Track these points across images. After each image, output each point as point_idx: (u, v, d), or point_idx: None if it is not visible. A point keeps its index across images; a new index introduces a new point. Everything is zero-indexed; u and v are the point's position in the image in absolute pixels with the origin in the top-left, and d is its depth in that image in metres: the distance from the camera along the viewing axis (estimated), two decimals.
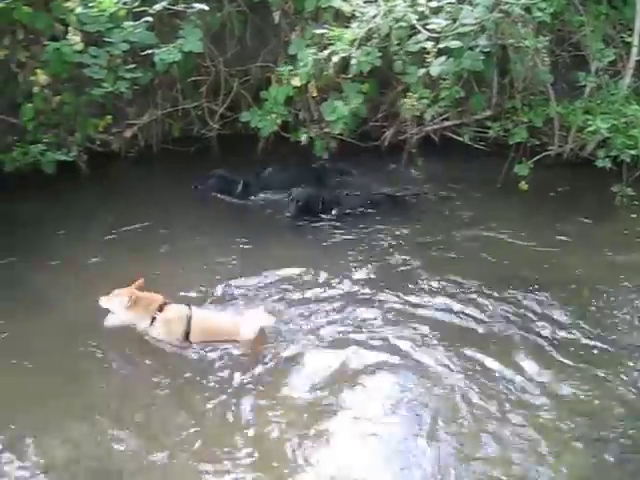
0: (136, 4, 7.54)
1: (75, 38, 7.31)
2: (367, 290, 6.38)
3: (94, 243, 7.14)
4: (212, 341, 5.62)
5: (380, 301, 6.20)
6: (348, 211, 7.83)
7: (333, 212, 7.77)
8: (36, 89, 7.70)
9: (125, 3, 7.55)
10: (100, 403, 5.03)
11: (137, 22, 7.60)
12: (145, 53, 7.81)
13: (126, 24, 7.56)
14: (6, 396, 5.07)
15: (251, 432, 4.78)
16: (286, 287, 6.37)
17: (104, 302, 5.56)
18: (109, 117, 8.35)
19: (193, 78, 8.93)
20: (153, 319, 5.59)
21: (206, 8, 7.72)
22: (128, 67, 7.82)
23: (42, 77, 7.61)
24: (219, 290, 6.31)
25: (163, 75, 8.45)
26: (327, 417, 4.93)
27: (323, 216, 7.75)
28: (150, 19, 7.55)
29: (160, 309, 5.61)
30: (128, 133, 8.81)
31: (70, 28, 7.45)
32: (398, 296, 6.24)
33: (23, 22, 7.57)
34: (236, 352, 5.51)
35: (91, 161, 8.25)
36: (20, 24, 7.63)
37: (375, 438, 4.80)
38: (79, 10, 7.39)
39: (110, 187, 8.23)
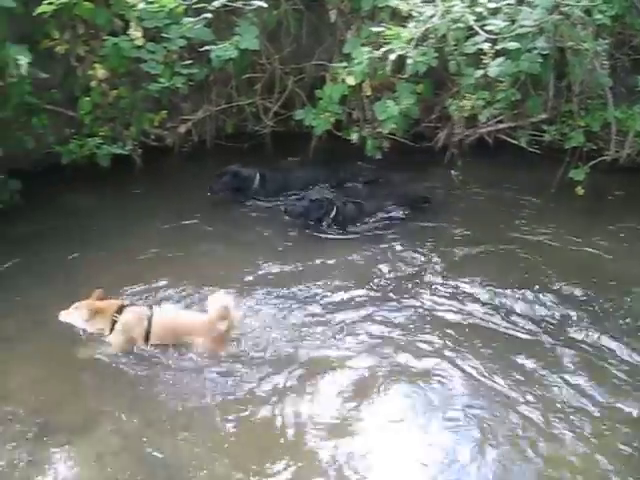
0: (194, 0, 7.60)
1: (136, 33, 7.40)
2: (402, 292, 6.35)
3: (144, 236, 7.27)
4: (175, 341, 5.58)
5: (415, 305, 6.17)
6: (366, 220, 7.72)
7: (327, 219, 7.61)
8: (94, 83, 7.81)
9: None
10: (148, 398, 5.11)
11: (196, 19, 7.66)
12: (203, 49, 7.86)
13: (185, 20, 7.62)
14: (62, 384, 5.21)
15: (287, 443, 4.76)
16: (317, 290, 6.40)
17: (63, 316, 5.56)
18: (164, 112, 8.43)
19: (248, 75, 8.97)
20: (114, 323, 5.57)
21: (265, 5, 7.74)
22: (184, 63, 7.89)
23: (100, 71, 7.72)
24: (258, 292, 6.35)
25: (218, 72, 8.50)
26: (366, 427, 4.89)
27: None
28: (209, 16, 7.61)
29: (119, 312, 5.60)
30: (182, 128, 8.88)
31: (131, 23, 7.54)
32: (435, 300, 6.21)
33: (84, 17, 7.69)
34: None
35: (145, 155, 8.34)
36: (81, 19, 7.75)
37: (421, 448, 4.75)
38: (141, 6, 7.48)
39: (163, 182, 8.33)
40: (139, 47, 7.61)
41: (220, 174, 8.10)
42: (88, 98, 7.85)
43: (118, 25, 7.82)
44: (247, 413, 4.96)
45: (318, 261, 6.89)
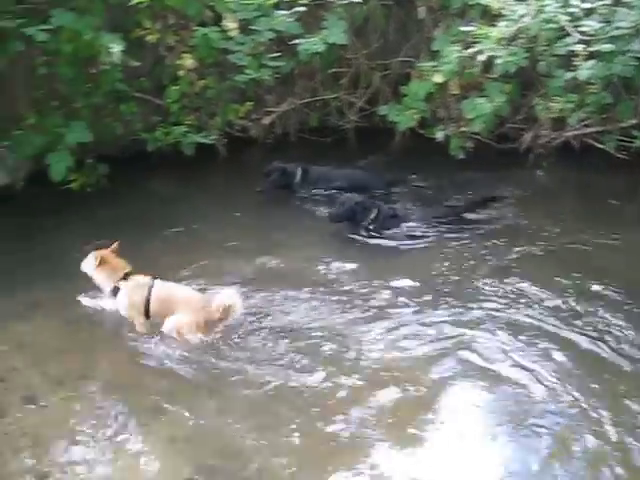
0: None
1: (231, 25, 7.49)
2: (467, 293, 6.20)
3: (221, 225, 7.37)
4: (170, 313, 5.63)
5: (483, 306, 5.98)
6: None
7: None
8: (182, 72, 7.95)
9: None
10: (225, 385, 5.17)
11: (289, 12, 7.70)
12: (292, 43, 7.90)
13: (277, 13, 7.66)
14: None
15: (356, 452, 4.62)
16: (376, 290, 6.26)
17: (83, 265, 5.77)
18: (250, 104, 8.51)
19: (334, 70, 8.99)
20: (116, 289, 5.70)
21: (358, 0, 7.73)
22: (272, 55, 7.95)
23: (189, 61, 7.84)
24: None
25: (304, 65, 8.55)
26: (428, 433, 4.72)
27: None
28: (303, 9, 7.64)
29: (125, 278, 5.72)
30: (267, 120, 8.95)
31: (226, 15, 7.62)
32: (503, 301, 6.03)
33: (175, 8, 7.82)
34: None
35: (229, 145, 8.44)
36: (172, 10, 7.89)
37: (488, 457, 4.58)
38: None
39: (245, 173, 8.41)
40: (228, 38, 7.70)
41: (267, 172, 8.06)
42: (176, 87, 7.99)
43: (208, 16, 7.94)
44: (318, 410, 4.91)
45: (378, 260, 6.84)
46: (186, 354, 5.37)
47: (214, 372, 5.22)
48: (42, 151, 7.41)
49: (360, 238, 7.19)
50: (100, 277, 5.75)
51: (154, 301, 5.65)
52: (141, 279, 5.76)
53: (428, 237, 7.15)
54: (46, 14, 7.14)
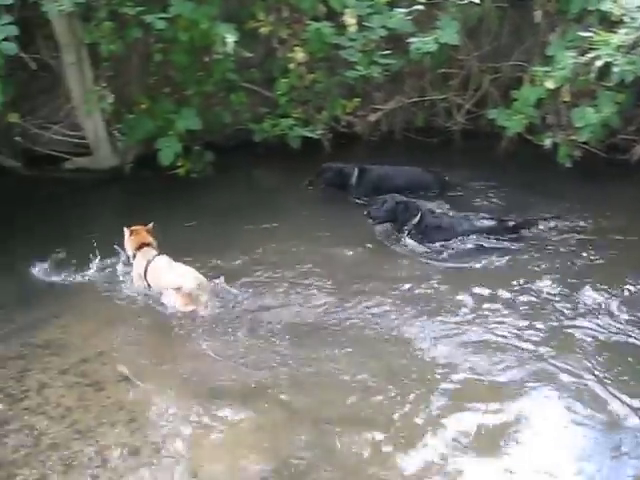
0: None
1: (351, 20, 7.49)
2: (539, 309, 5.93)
3: (313, 218, 7.44)
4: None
5: (564, 324, 5.74)
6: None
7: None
8: (292, 66, 8.01)
9: None
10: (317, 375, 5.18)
11: (407, 10, 7.67)
12: (407, 41, 7.85)
13: (396, 11, 7.63)
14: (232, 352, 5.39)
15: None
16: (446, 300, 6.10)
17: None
18: (358, 100, 8.52)
19: (443, 70, 8.90)
20: (134, 256, 6.19)
21: (476, 1, 7.63)
22: (382, 53, 7.93)
23: (300, 55, 7.90)
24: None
25: (414, 64, 8.48)
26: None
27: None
28: (421, 8, 7.59)
29: (139, 248, 6.14)
30: (373, 117, 8.93)
31: (347, 10, 7.64)
32: (579, 316, 5.79)
33: (289, 1, 7.89)
34: None
35: (333, 140, 8.47)
36: (286, 3, 7.96)
37: None
38: None
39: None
40: (340, 34, 7.73)
41: (321, 170, 7.96)
42: (285, 80, 8.07)
43: (321, 11, 7.97)
44: (406, 410, 4.84)
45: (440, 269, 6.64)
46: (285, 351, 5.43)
47: (308, 370, 5.25)
48: (152, 136, 7.63)
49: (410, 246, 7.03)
50: (127, 245, 6.21)
51: (149, 272, 6.03)
52: (148, 251, 6.14)
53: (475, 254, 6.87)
54: (165, 3, 7.34)
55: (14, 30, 6.32)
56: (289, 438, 4.61)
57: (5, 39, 6.22)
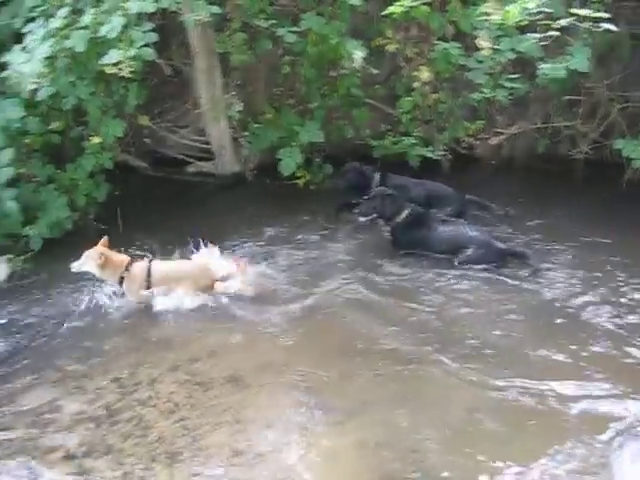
0: (540, 16, 7.46)
1: (484, 43, 7.45)
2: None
3: None
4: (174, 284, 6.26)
5: None
6: None
7: None
8: (417, 84, 8.01)
9: (530, 15, 7.51)
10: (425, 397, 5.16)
11: (541, 35, 7.56)
12: (536, 66, 7.73)
13: (528, 35, 7.54)
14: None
15: None
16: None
17: (77, 266, 6.21)
18: (481, 122, 8.45)
19: (569, 97, 8.73)
20: (122, 278, 6.26)
21: (613, 28, 7.46)
22: (509, 76, 7.84)
23: (425, 74, 7.89)
24: None
25: (540, 89, 8.34)
26: None
27: None
28: (556, 34, 7.47)
29: (127, 268, 6.27)
30: (495, 141, 8.83)
31: (480, 33, 7.59)
32: None
33: (418, 20, 7.90)
34: None
35: (453, 161, 8.42)
36: (415, 22, 7.98)
37: None
38: (494, 17, 7.46)
39: (467, 190, 8.24)
40: (467, 55, 7.69)
41: (344, 170, 7.87)
42: (409, 98, 8.07)
43: (450, 31, 7.96)
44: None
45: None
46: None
47: (412, 382, 5.25)
48: (275, 145, 7.79)
49: None
50: (106, 274, 6.31)
51: (155, 277, 6.28)
52: (139, 264, 6.35)
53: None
54: (296, 17, 7.51)
55: (154, 37, 6.58)
56: (392, 456, 4.61)
57: (145, 45, 6.48)
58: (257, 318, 6.05)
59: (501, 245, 6.79)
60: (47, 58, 6.57)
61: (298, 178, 7.94)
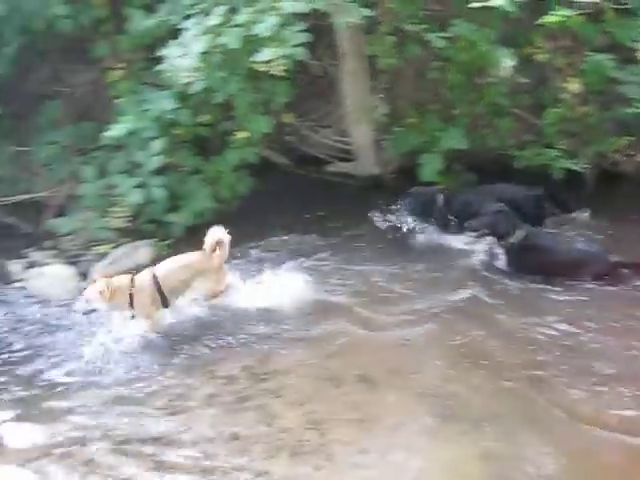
0: None
1: None
2: None
3: None
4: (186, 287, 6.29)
5: None
6: None
7: None
8: (565, 96, 7.81)
9: None
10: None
11: None
12: None
13: None
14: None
15: None
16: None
17: (82, 308, 6.08)
18: (629, 138, 8.15)
19: None
20: (131, 296, 6.07)
21: None
22: None
23: (574, 86, 7.68)
24: None
25: None
26: None
27: None
28: None
29: (132, 285, 6.10)
30: None
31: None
32: None
33: (571, 30, 7.71)
34: None
35: (598, 176, 8.16)
36: (568, 31, 7.79)
37: None
38: None
39: (608, 208, 7.90)
40: (621, 68, 7.45)
41: (405, 196, 7.72)
42: (556, 110, 7.88)
43: (603, 42, 7.72)
44: None
45: None
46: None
47: (538, 400, 5.13)
48: (417, 150, 7.78)
49: None
50: (116, 305, 6.14)
51: (166, 284, 6.21)
52: (142, 275, 6.25)
53: None
54: (445, 23, 7.47)
55: (307, 37, 6.71)
56: (514, 470, 4.53)
57: (297, 45, 6.61)
58: (388, 320, 6.11)
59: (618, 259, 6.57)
60: (202, 53, 6.79)
61: (437, 184, 7.89)
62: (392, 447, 4.69)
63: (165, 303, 6.28)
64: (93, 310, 6.08)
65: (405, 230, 7.66)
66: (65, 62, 9.02)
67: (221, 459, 4.72)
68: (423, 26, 7.37)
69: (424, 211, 7.67)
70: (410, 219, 7.68)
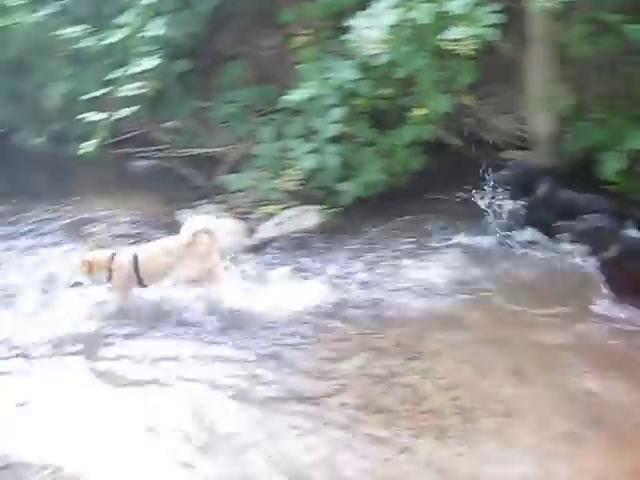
0: None
1: None
2: None
3: None
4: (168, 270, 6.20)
5: None
6: None
7: None
8: None
9: None
10: None
11: None
12: None
13: None
14: None
15: None
16: None
17: (71, 282, 6.24)
18: None
19: None
20: (110, 272, 6.17)
21: None
22: None
23: None
24: None
25: None
26: None
27: None
28: None
29: (111, 261, 6.19)
30: None
31: None
32: None
33: None
34: None
35: None
36: None
37: None
38: None
39: None
40: None
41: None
42: None
43: None
44: None
45: None
46: None
47: None
48: (598, 147, 7.47)
49: None
50: (96, 278, 6.27)
51: (146, 267, 6.23)
52: (125, 252, 6.34)
53: None
54: None
55: (500, 19, 6.57)
56: None
57: (489, 25, 6.49)
58: (542, 317, 5.95)
59: None
60: (391, 26, 6.79)
61: (615, 183, 7.55)
62: (536, 447, 4.55)
63: (142, 284, 6.33)
64: (79, 283, 6.26)
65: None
66: (252, 25, 9.27)
67: (367, 427, 4.76)
68: (620, 16, 7.04)
69: (519, 193, 7.16)
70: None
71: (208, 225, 6.29)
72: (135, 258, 6.26)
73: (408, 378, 5.21)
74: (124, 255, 6.32)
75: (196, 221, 6.40)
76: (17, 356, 5.79)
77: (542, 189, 7.10)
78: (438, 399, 5.00)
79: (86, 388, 5.36)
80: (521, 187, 7.13)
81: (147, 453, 4.67)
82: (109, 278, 6.28)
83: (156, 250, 6.37)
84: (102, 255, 6.31)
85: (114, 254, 6.31)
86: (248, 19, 9.27)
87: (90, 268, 6.16)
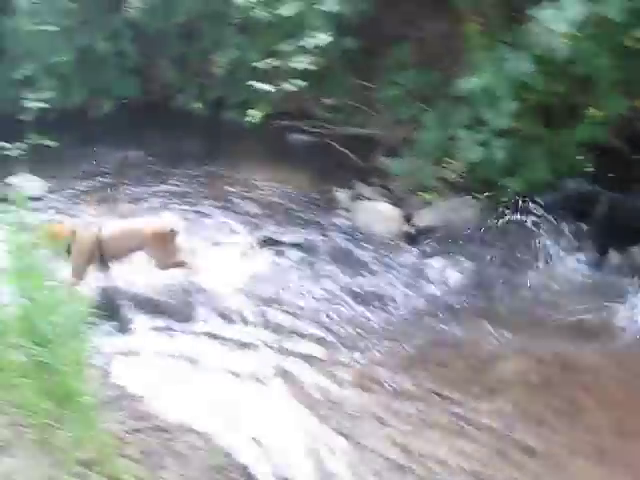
0: None
1: None
2: None
3: None
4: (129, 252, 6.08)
5: None
6: None
7: None
8: None
9: None
10: None
11: None
12: None
13: None
14: None
15: None
16: None
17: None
18: None
19: None
20: (69, 247, 5.82)
21: None
22: None
23: None
24: None
25: None
26: None
27: None
28: None
29: (72, 236, 5.87)
30: None
31: None
32: None
33: None
34: None
35: None
36: None
37: None
38: None
39: None
40: None
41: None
42: None
43: None
44: None
45: None
46: None
47: None
48: None
49: None
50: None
51: (110, 244, 5.99)
52: (87, 229, 6.08)
53: None
54: None
55: None
56: None
57: None
58: None
59: None
60: (580, 21, 6.47)
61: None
62: None
63: (104, 264, 6.06)
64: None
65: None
66: (420, 7, 9.08)
67: (519, 435, 4.65)
68: None
69: (580, 213, 6.71)
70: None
71: (177, 227, 6.18)
72: (98, 236, 6.01)
73: (567, 390, 5.05)
74: (86, 231, 6.04)
75: (171, 220, 6.32)
76: None
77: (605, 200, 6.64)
78: (597, 416, 4.81)
79: None
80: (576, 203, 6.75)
81: None
82: (68, 252, 5.91)
83: (121, 230, 6.16)
84: (63, 228, 6.00)
85: (75, 229, 6.03)
86: (418, 0, 9.08)
87: (48, 239, 5.33)
